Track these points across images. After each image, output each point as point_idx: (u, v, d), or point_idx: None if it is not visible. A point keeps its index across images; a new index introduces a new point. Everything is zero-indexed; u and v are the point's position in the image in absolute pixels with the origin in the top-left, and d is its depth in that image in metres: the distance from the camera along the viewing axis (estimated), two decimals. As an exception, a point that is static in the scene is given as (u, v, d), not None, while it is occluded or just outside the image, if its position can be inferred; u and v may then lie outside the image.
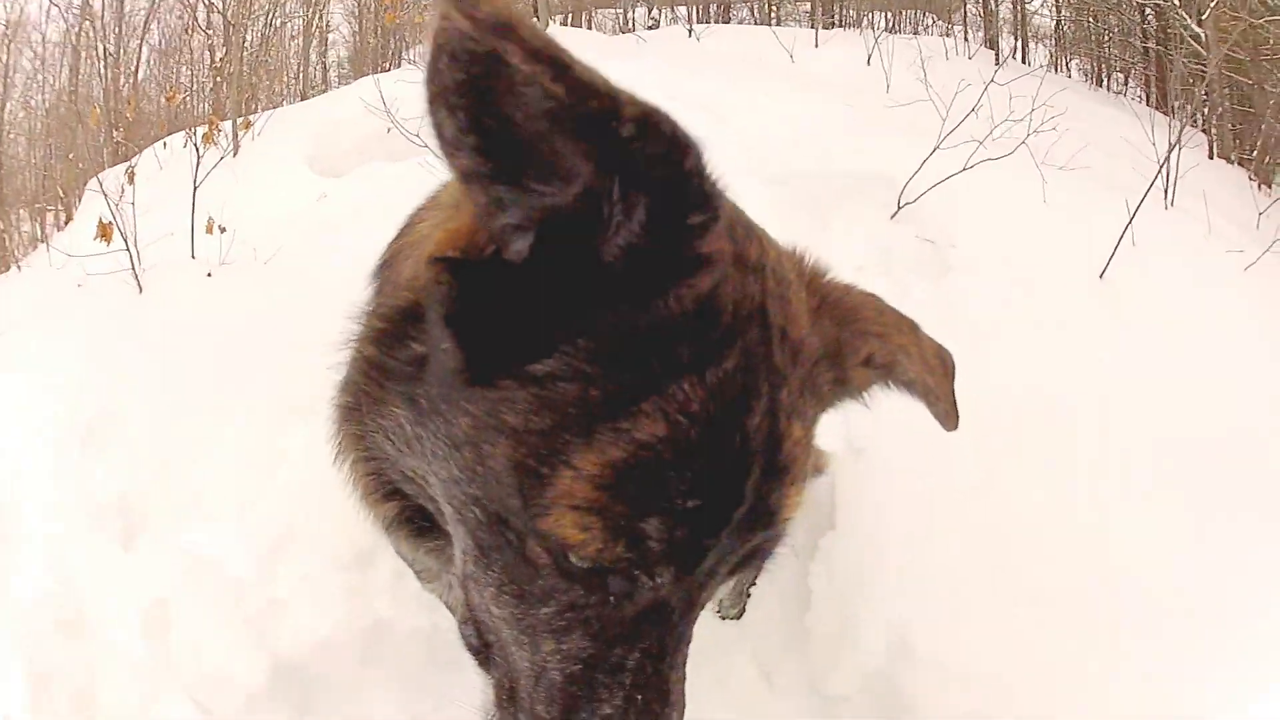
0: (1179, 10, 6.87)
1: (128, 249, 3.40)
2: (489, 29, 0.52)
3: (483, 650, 0.87)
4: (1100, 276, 3.41)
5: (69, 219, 5.38)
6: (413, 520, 0.93)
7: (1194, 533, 2.21)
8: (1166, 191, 4.39)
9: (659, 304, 0.69)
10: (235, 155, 4.83)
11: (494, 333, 0.71)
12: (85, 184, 5.27)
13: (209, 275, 3.60)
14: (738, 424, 0.72)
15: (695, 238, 0.67)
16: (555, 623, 0.76)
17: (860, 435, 2.57)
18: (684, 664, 0.82)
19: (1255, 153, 7.05)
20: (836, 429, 2.60)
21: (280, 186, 4.49)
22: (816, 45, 7.13)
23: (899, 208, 3.76)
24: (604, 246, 0.65)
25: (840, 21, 10.89)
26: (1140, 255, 3.50)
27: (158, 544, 2.22)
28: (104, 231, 3.36)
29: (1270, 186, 6.74)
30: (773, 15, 11.09)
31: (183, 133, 4.83)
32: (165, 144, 5.45)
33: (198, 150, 3.91)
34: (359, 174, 4.51)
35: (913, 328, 1.01)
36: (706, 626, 2.13)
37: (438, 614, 1.98)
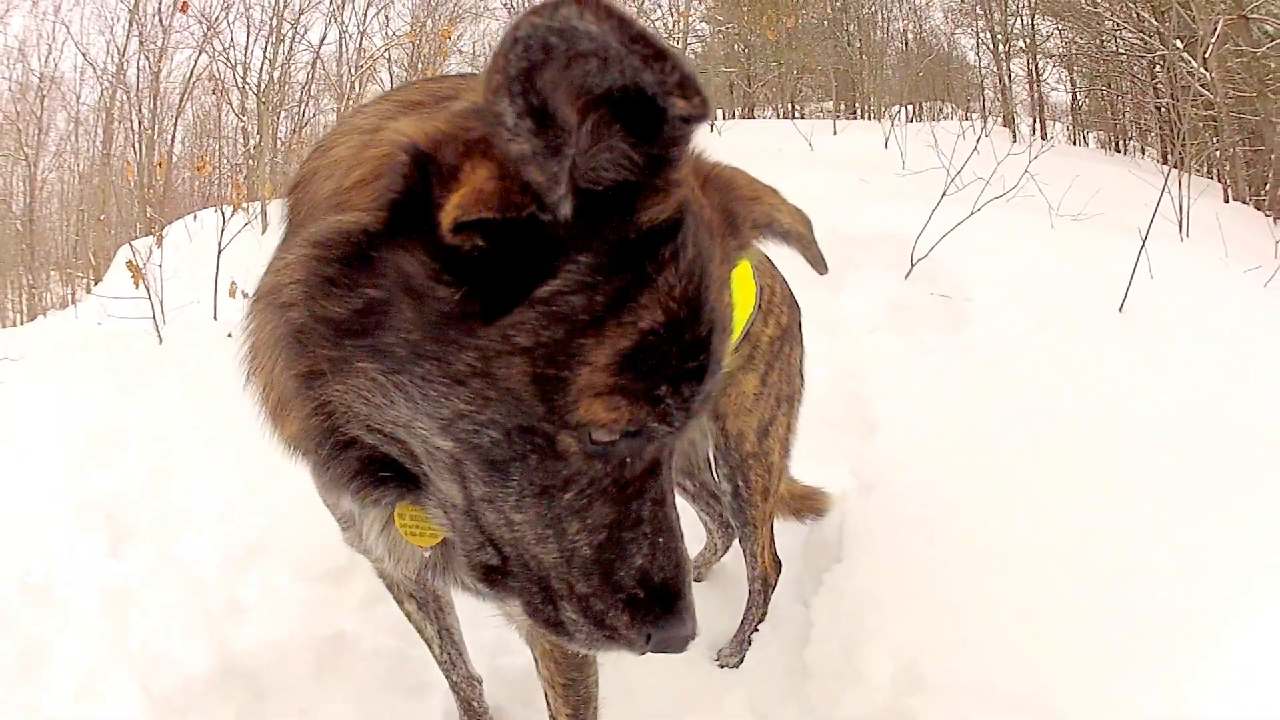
0: (1184, 54, 6.98)
1: (150, 300, 3.52)
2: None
3: (497, 570, 0.91)
4: (1120, 310, 3.39)
5: (98, 281, 5.59)
6: (368, 470, 0.93)
7: (1216, 550, 2.10)
8: (1181, 224, 4.49)
9: (642, 218, 0.78)
10: (264, 233, 4.99)
11: (504, 272, 0.77)
12: (116, 251, 5.48)
13: (229, 335, 3.67)
14: (704, 299, 0.84)
15: (669, 169, 0.78)
16: (578, 503, 0.85)
17: (871, 472, 2.56)
18: (675, 516, 0.93)
19: (1269, 187, 7.12)
20: (847, 467, 2.60)
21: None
22: (835, 133, 7.32)
23: (912, 265, 3.77)
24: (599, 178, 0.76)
25: (861, 114, 11.18)
26: (1158, 286, 3.50)
27: (137, 545, 2.29)
28: (133, 271, 3.51)
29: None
30: (796, 112, 11.45)
31: (213, 209, 5.03)
32: (196, 217, 5.66)
33: (224, 216, 4.05)
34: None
35: (775, 191, 1.12)
36: (702, 674, 2.13)
37: (409, 641, 1.90)
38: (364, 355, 0.81)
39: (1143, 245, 3.46)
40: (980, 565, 2.11)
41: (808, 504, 2.29)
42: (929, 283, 3.68)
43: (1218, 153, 7.63)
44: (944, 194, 3.81)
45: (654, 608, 0.89)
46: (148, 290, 3.50)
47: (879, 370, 3.16)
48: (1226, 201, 7.26)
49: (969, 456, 2.56)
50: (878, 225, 4.08)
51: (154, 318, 3.52)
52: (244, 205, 4.35)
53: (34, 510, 2.43)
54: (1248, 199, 7.61)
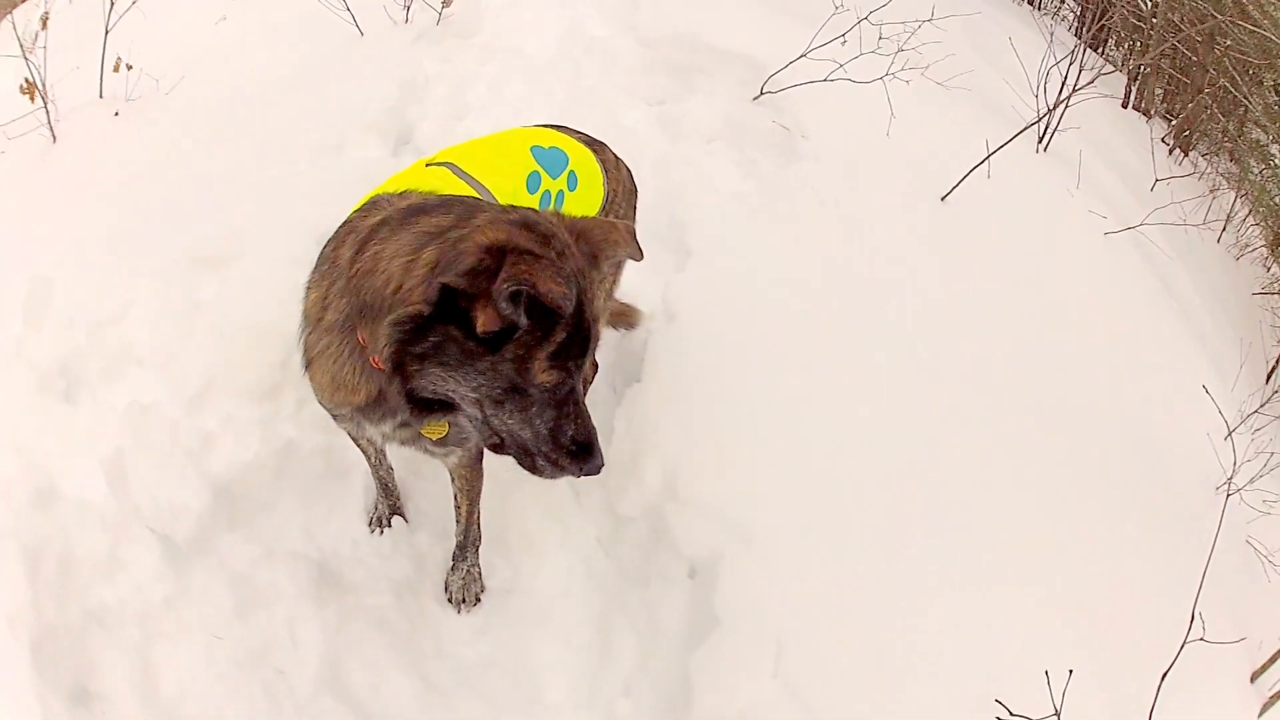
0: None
1: (45, 106, 3.47)
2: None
3: (500, 446, 1.74)
4: (942, 199, 3.57)
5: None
6: (426, 406, 1.73)
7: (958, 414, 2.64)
8: (1042, 138, 4.24)
9: (544, 304, 1.52)
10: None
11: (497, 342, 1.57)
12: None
13: (116, 114, 3.67)
14: (583, 322, 1.62)
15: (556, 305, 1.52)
16: (536, 410, 1.65)
17: (678, 302, 2.95)
18: (584, 407, 1.73)
19: (1179, 120, 6.15)
20: (656, 293, 2.96)
21: (181, 13, 4.52)
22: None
23: (761, 93, 4.03)
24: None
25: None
26: (992, 189, 3.58)
27: (98, 399, 2.46)
28: (29, 91, 3.44)
29: (1187, 154, 6.08)
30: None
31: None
32: (76, -25, 5.19)
33: (111, -1, 3.80)
34: (257, -9, 4.56)
35: (614, 224, 1.85)
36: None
37: (331, 432, 2.39)
38: (433, 364, 1.61)
39: (989, 155, 3.57)
40: (742, 406, 2.60)
41: (622, 318, 2.84)
42: (773, 112, 3.96)
43: (1140, 53, 6.44)
44: (804, 54, 3.91)
45: (580, 454, 1.70)
46: (43, 97, 3.44)
47: (705, 193, 3.40)
48: (1125, 106, 6.41)
49: (767, 300, 2.96)
50: (737, 43, 4.28)
51: (49, 123, 3.45)
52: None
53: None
54: (1153, 111, 6.51)
